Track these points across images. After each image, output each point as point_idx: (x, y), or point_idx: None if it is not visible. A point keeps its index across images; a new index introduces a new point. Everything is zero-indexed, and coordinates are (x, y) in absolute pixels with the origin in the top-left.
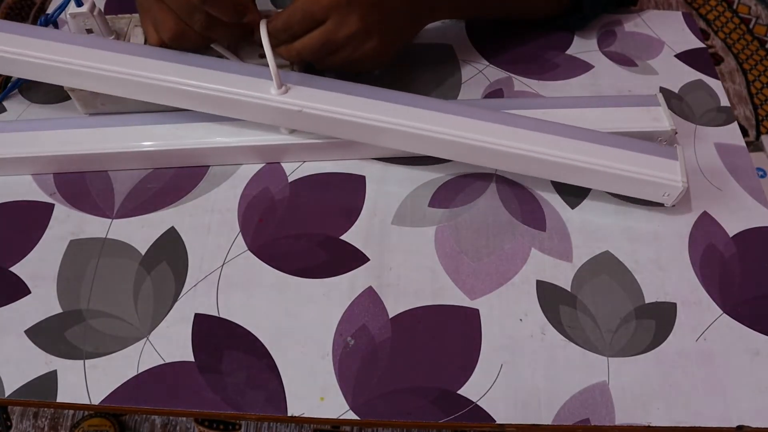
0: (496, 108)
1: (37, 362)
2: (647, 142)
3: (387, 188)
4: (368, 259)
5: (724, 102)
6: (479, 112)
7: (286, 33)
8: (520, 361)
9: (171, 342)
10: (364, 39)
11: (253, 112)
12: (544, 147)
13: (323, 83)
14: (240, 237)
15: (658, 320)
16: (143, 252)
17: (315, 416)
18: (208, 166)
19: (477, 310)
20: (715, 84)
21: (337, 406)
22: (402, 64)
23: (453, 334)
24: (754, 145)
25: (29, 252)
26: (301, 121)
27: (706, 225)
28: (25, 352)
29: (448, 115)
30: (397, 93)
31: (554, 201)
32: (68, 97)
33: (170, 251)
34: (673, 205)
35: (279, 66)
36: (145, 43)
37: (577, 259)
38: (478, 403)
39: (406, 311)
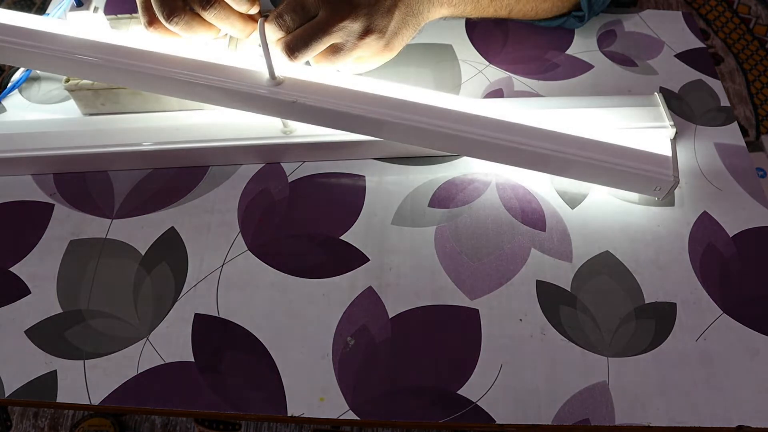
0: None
1: (37, 362)
2: (640, 135)
3: (387, 188)
4: (368, 259)
5: (724, 102)
6: (474, 103)
7: (278, 25)
8: (520, 361)
9: (171, 342)
10: (359, 31)
11: (246, 102)
12: (534, 139)
13: (320, 75)
14: (240, 237)
15: (658, 320)
16: (143, 252)
17: (315, 416)
18: (208, 166)
19: (477, 310)
20: (715, 84)
21: (337, 406)
22: (402, 64)
23: (453, 335)
24: (754, 145)
25: (29, 252)
26: (297, 113)
27: (706, 225)
28: (25, 352)
29: (447, 107)
30: (397, 86)
31: (554, 201)
32: (68, 97)
33: (170, 251)
34: (663, 199)
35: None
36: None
37: (577, 259)
38: (478, 403)
39: (406, 311)
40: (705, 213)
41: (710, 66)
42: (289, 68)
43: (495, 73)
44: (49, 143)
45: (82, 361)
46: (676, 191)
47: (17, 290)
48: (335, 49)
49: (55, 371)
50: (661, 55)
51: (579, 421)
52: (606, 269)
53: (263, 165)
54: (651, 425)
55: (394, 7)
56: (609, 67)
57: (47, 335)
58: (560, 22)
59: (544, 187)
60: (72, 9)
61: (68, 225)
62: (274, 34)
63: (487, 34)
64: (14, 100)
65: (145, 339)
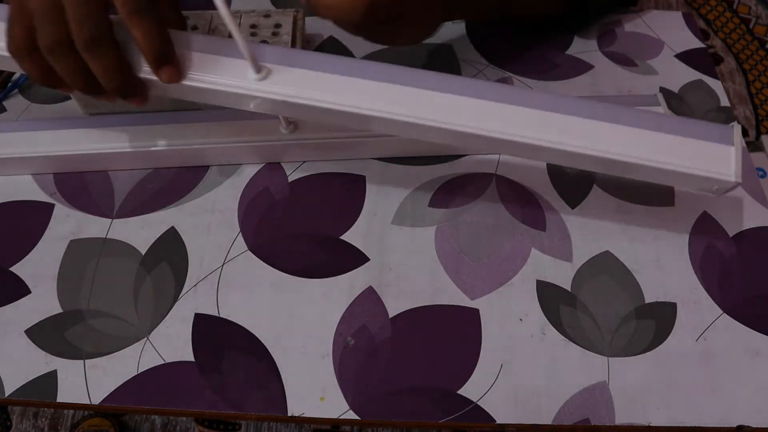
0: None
1: (37, 362)
2: (695, 121)
3: (387, 188)
4: (368, 259)
5: (724, 102)
6: (503, 93)
7: None
8: (520, 361)
9: (171, 342)
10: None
11: (229, 100)
12: (576, 138)
13: (312, 60)
14: (240, 237)
15: (658, 320)
16: (143, 252)
17: (315, 416)
18: (208, 166)
19: (477, 310)
20: (715, 84)
21: (337, 406)
22: (401, 64)
23: (453, 334)
24: (754, 145)
25: (29, 252)
26: (288, 110)
27: (706, 225)
28: (25, 352)
29: (471, 98)
30: (401, 69)
31: (554, 201)
32: (68, 97)
33: (170, 251)
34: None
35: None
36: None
37: (577, 259)
38: (478, 403)
39: (406, 311)
40: (705, 213)
41: (710, 66)
42: (274, 54)
43: (495, 73)
44: (49, 143)
45: (82, 361)
46: (677, 191)
47: (17, 290)
48: (388, 23)
49: (55, 371)
50: (661, 55)
51: (579, 420)
52: (606, 269)
53: (263, 165)
54: (651, 425)
55: None
56: (609, 67)
57: (47, 335)
58: (563, 23)
59: (544, 187)
60: None
61: (68, 225)
62: None
63: (487, 34)
64: (14, 100)
65: (145, 339)
